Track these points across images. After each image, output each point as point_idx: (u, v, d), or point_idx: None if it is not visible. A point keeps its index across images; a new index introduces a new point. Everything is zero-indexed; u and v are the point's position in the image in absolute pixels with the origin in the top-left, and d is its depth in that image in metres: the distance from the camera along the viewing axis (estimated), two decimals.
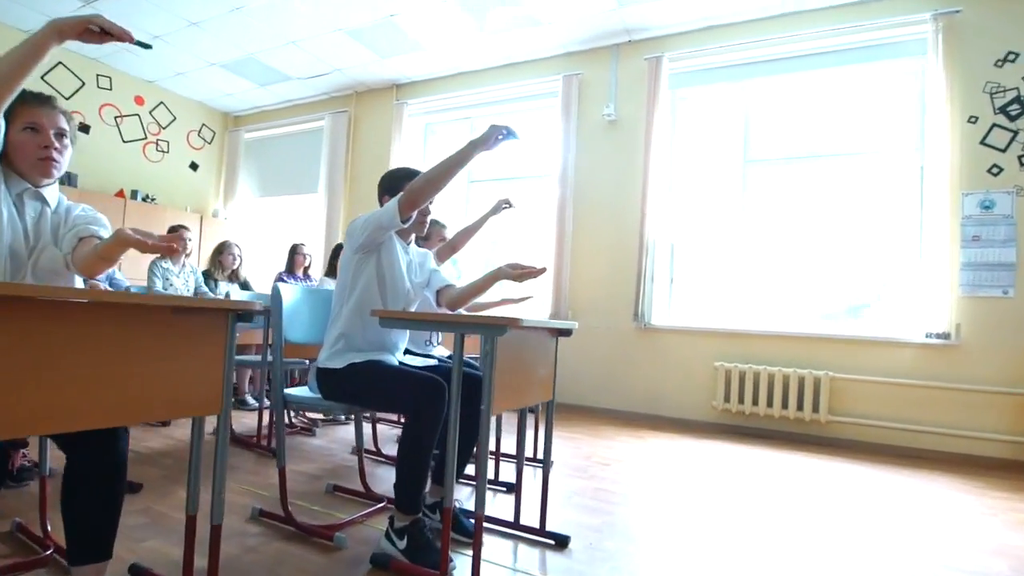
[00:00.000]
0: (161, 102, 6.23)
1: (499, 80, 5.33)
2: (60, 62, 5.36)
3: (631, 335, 4.54)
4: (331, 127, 6.15)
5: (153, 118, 6.18)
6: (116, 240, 1.28)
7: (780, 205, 4.33)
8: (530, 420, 3.27)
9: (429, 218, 2.04)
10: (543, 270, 1.93)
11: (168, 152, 6.33)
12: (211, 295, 3.96)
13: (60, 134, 1.45)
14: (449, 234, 3.09)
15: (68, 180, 5.28)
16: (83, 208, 1.56)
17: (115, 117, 5.83)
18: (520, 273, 1.93)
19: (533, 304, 5.25)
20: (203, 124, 6.68)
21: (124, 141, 5.91)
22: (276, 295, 2.01)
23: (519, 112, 5.42)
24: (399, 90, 5.89)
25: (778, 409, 3.90)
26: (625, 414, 4.45)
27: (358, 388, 1.82)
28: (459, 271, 3.18)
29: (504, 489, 2.47)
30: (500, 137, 1.74)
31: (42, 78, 5.24)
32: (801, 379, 3.85)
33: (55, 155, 1.43)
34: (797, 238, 4.25)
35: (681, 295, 4.67)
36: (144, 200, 5.91)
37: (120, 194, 5.69)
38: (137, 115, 6.02)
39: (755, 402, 3.99)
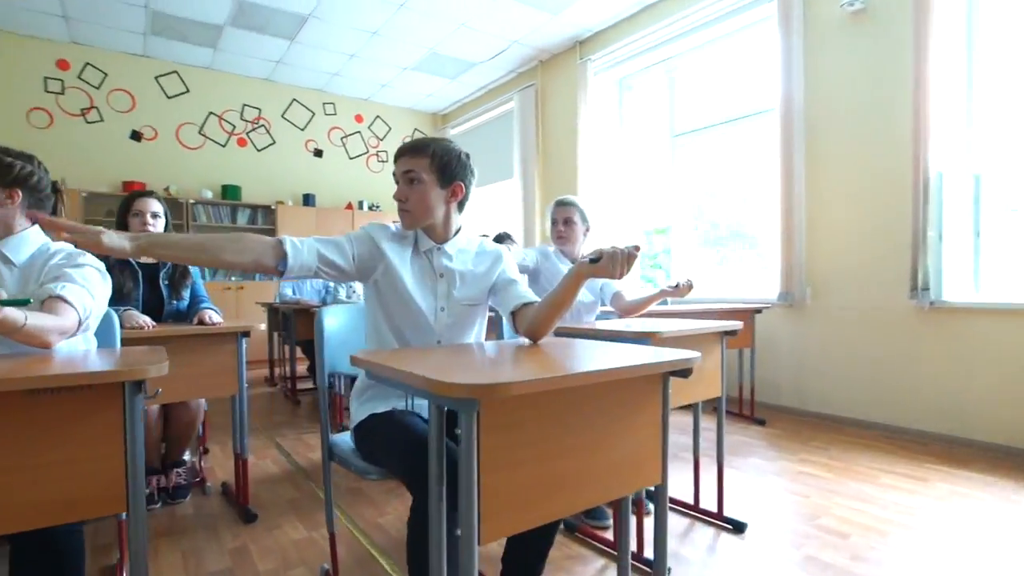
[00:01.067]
0: (377, 116, 6.74)
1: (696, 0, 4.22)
2: (295, 99, 6.15)
3: (908, 317, 3.12)
4: (520, 105, 5.82)
5: (372, 132, 6.72)
6: None
7: None
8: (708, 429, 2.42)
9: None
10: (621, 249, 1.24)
11: (387, 161, 6.84)
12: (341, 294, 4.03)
13: None
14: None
15: (306, 200, 6.06)
16: (63, 256, 1.40)
17: (341, 138, 6.50)
18: (606, 262, 1.24)
19: (755, 284, 4.12)
20: (415, 128, 7.05)
21: (350, 158, 6.56)
22: (319, 321, 1.66)
23: (727, 37, 4.24)
24: (583, 47, 5.21)
25: None
26: (898, 433, 3.08)
27: (372, 448, 1.36)
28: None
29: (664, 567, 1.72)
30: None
31: (282, 116, 6.09)
32: None
33: None
34: None
35: (994, 256, 3.02)
36: (370, 209, 6.48)
37: (349, 206, 6.33)
38: (359, 132, 6.62)
39: None
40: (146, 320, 2.00)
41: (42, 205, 1.44)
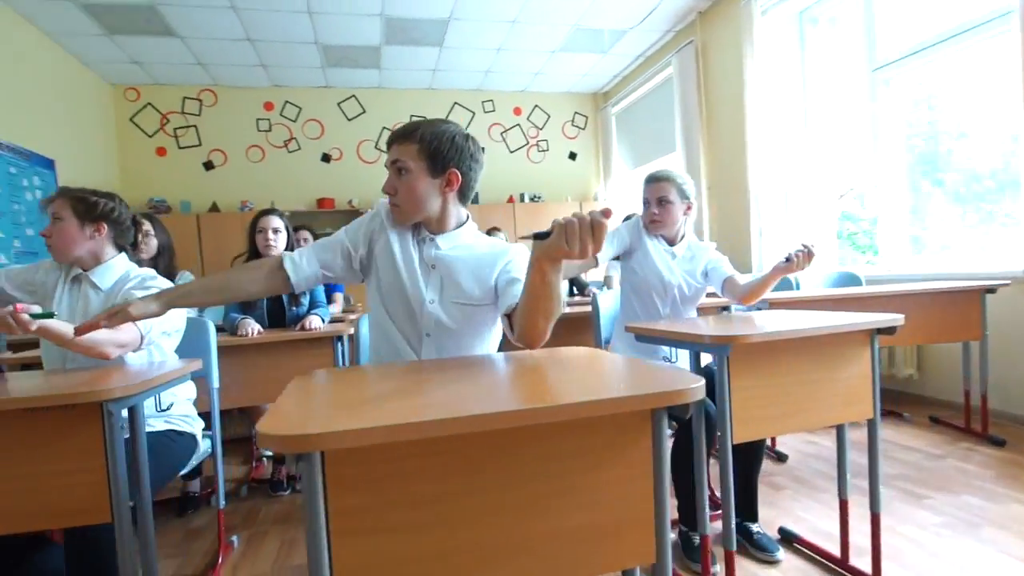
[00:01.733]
0: (536, 105, 6.69)
1: None
2: (455, 102, 6.43)
3: None
4: (679, 68, 5.21)
5: (531, 123, 6.70)
6: None
7: None
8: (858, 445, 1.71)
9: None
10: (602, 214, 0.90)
11: (548, 150, 6.76)
12: None
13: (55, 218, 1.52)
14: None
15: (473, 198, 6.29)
16: (137, 280, 1.57)
17: (501, 133, 6.60)
18: (556, 237, 0.93)
19: (997, 255, 3.02)
20: (575, 112, 6.83)
21: (511, 151, 6.63)
22: (358, 328, 1.61)
23: None
24: None
25: None
26: None
27: None
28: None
29: None
30: None
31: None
32: None
33: (47, 241, 1.53)
34: None
35: None
36: (532, 200, 6.49)
37: (511, 200, 6.41)
38: (517, 125, 6.65)
39: None
40: (253, 328, 2.19)
41: (124, 236, 1.64)
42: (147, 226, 2.60)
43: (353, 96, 6.13)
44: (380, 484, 0.73)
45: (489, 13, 4.72)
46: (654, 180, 1.95)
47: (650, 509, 0.83)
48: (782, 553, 1.71)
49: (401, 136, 1.28)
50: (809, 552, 1.72)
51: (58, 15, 4.19)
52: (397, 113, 6.25)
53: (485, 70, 5.96)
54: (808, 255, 1.65)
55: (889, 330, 1.47)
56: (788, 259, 1.68)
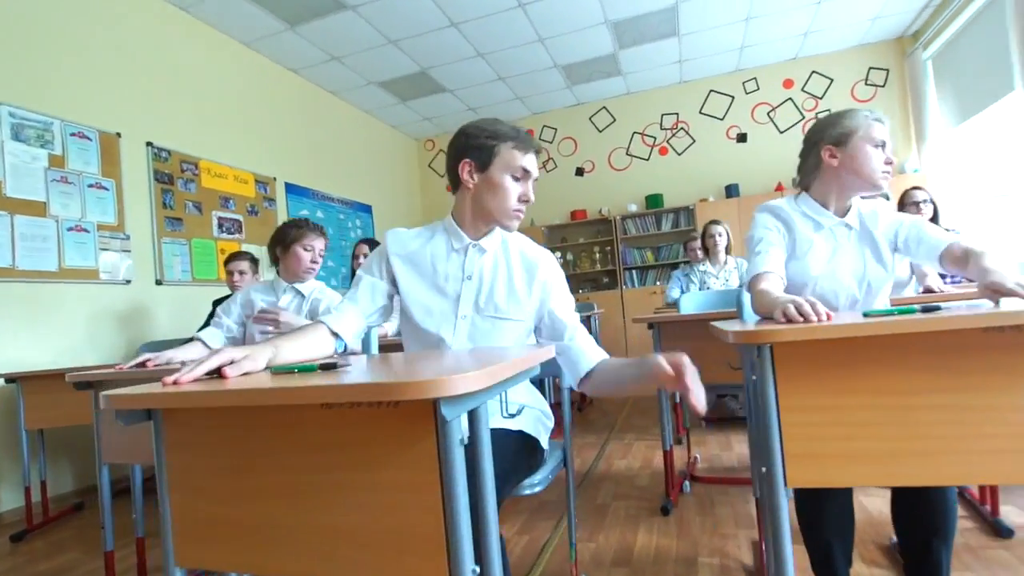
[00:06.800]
0: (812, 72, 5.64)
1: None
2: (711, 90, 5.92)
3: None
4: None
5: (807, 93, 5.67)
6: None
7: None
8: None
9: None
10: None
11: None
12: None
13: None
14: None
15: (728, 192, 5.68)
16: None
17: (767, 113, 5.77)
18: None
19: None
20: (869, 68, 5.49)
21: (780, 132, 5.73)
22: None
23: None
24: None
25: None
26: None
27: None
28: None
29: None
30: None
31: (700, 112, 5.97)
32: None
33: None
34: None
35: None
36: None
37: (779, 187, 5.53)
38: (789, 99, 5.72)
39: None
40: None
41: None
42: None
43: (603, 108, 6.26)
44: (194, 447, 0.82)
45: None
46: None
47: (439, 526, 0.69)
48: None
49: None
50: None
51: (368, 94, 5.56)
52: (646, 115, 6.12)
53: (738, 47, 5.34)
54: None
55: None
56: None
